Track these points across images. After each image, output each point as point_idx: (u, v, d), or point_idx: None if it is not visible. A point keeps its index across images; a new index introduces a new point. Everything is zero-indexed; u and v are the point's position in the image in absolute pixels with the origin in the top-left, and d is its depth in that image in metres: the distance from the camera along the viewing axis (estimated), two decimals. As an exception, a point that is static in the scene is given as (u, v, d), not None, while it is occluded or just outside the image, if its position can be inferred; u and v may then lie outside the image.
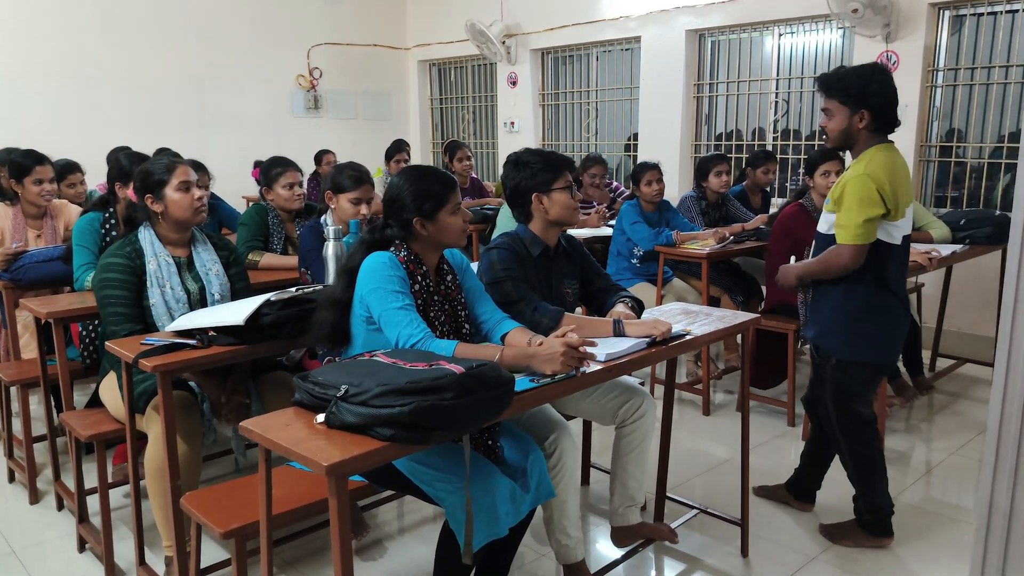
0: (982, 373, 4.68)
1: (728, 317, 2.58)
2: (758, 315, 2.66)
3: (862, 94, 2.55)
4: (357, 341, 2.11)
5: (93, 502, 2.81)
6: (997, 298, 4.58)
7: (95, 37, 6.84)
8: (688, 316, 2.56)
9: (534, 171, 2.43)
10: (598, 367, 2.01)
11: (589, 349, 1.92)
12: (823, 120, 2.65)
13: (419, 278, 2.10)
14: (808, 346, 4.63)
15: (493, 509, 1.89)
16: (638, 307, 2.46)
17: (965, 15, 5.22)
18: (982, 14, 5.18)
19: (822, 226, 2.66)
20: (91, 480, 2.81)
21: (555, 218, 2.47)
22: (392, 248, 2.11)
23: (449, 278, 2.20)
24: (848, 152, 2.69)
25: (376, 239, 2.12)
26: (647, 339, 2.19)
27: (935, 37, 5.29)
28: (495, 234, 5.16)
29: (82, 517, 2.78)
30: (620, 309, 2.43)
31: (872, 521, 2.75)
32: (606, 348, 2.09)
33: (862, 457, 2.72)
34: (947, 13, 5.25)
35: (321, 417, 1.62)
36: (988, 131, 5.20)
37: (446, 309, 2.16)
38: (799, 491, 3.06)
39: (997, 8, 5.04)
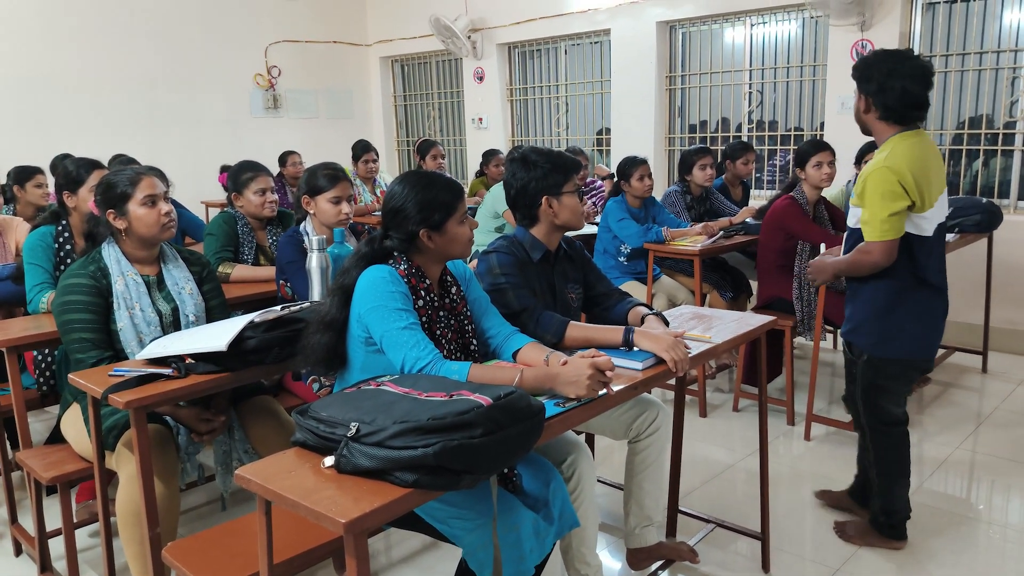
0: (971, 361, 4.64)
1: (742, 320, 2.43)
2: (774, 317, 2.53)
3: (862, 79, 2.49)
4: (355, 364, 1.90)
5: (56, 544, 2.55)
6: (984, 286, 4.54)
7: (38, 36, 6.43)
8: (702, 321, 2.41)
9: (544, 172, 2.24)
10: (625, 385, 1.84)
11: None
12: None
13: (422, 293, 1.90)
14: (799, 338, 4.56)
15: (519, 547, 1.71)
16: (663, 323, 2.25)
17: (938, 2, 5.18)
18: (955, 0, 5.14)
19: (851, 220, 2.55)
20: (53, 521, 2.55)
21: (563, 222, 2.30)
22: (391, 261, 1.90)
23: (453, 290, 2.01)
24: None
25: (375, 251, 1.91)
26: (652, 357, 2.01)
27: (909, 25, 5.24)
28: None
29: (44, 565, 2.51)
30: (644, 311, 2.25)
31: (886, 524, 2.65)
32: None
33: (889, 458, 2.61)
34: (920, 0, 5.20)
35: (330, 460, 1.41)
36: (948, 118, 5.17)
37: (452, 325, 1.96)
38: (863, 498, 2.84)
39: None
